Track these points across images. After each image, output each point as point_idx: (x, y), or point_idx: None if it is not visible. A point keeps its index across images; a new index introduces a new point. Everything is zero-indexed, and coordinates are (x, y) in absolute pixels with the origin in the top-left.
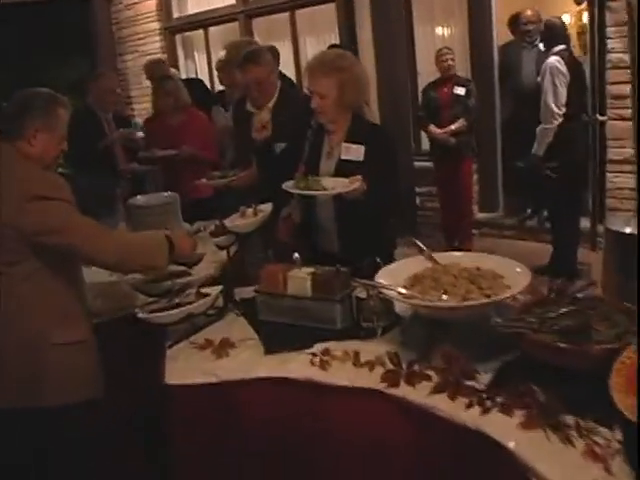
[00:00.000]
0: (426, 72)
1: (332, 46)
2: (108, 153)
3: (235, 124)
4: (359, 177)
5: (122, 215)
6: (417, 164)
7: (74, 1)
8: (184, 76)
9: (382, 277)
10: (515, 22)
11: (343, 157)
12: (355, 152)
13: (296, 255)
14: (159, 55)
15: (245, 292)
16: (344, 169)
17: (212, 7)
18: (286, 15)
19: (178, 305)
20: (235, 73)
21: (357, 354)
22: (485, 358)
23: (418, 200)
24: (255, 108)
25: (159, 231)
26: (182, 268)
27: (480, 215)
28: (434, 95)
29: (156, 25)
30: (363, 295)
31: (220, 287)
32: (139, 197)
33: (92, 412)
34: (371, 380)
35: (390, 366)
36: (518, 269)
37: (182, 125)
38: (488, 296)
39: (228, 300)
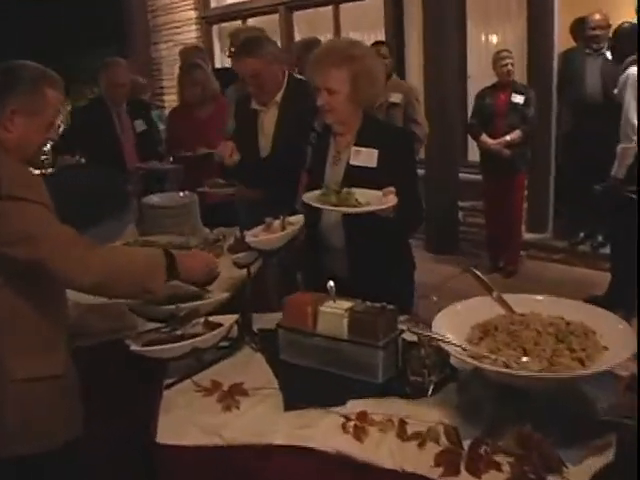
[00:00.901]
0: (477, 75)
1: (377, 43)
2: (117, 148)
3: (237, 124)
4: (392, 189)
5: (134, 215)
6: (462, 176)
7: None
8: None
9: (440, 323)
10: (579, 27)
11: (352, 163)
12: (366, 157)
13: (331, 284)
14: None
15: (266, 320)
16: (353, 177)
17: None
18: (329, 9)
19: (181, 337)
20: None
21: (403, 423)
22: (573, 444)
23: (460, 215)
24: (260, 105)
25: (157, 249)
26: (191, 288)
27: (527, 235)
28: (489, 102)
29: (193, 14)
30: (408, 334)
31: (235, 316)
32: (154, 196)
33: (67, 460)
34: (421, 462)
35: (446, 443)
36: (620, 325)
37: (210, 117)
38: (581, 361)
39: (244, 331)
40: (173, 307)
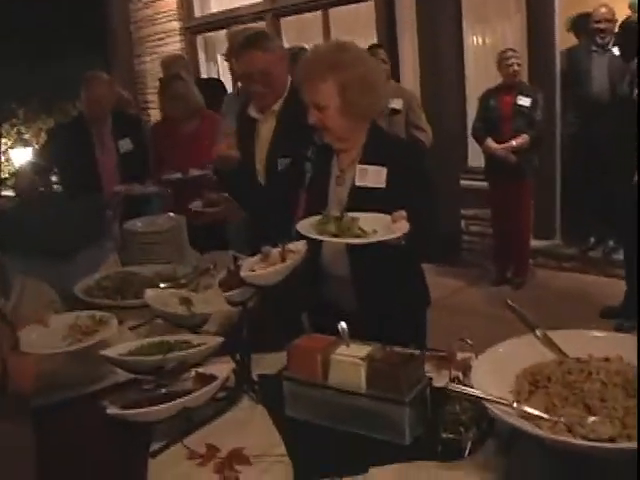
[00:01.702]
0: (474, 77)
1: (373, 46)
2: (93, 170)
3: (238, 136)
4: (403, 214)
5: (115, 243)
6: (463, 182)
7: None
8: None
9: (481, 372)
10: (582, 23)
11: (358, 183)
12: (374, 176)
13: (343, 326)
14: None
15: (266, 363)
16: (360, 199)
17: (236, 5)
18: (318, 14)
19: (168, 395)
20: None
21: None
22: None
23: (463, 223)
24: (259, 112)
25: None
26: (184, 337)
27: (535, 242)
28: (494, 104)
29: (176, 25)
30: (435, 379)
31: (230, 364)
32: (136, 220)
33: None
34: None
35: None
36: None
37: (196, 133)
38: None
39: (242, 380)
40: (159, 358)
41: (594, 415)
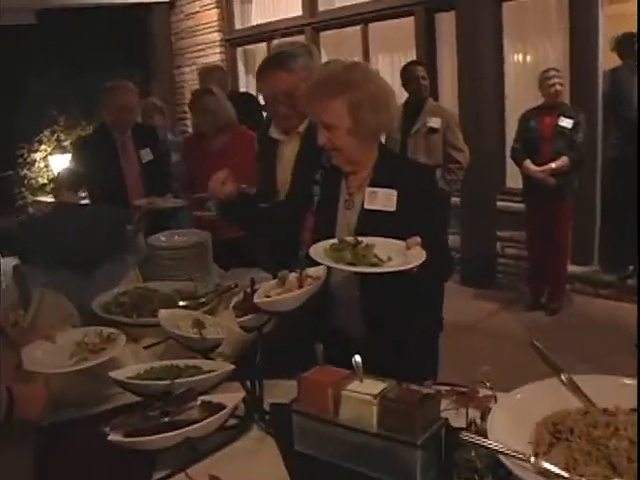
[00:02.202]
0: (514, 96)
1: (412, 63)
2: (119, 181)
3: (258, 157)
4: (418, 240)
5: (137, 257)
6: (500, 204)
7: (134, 9)
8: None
9: (498, 420)
10: (627, 43)
11: (367, 207)
12: (384, 199)
13: (357, 359)
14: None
15: (279, 391)
16: (369, 224)
17: (277, 18)
18: (357, 29)
19: (172, 424)
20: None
21: None
22: None
23: (499, 246)
24: (282, 134)
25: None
26: (194, 362)
27: (572, 267)
28: (534, 125)
29: (217, 36)
30: (452, 417)
31: (239, 394)
32: (160, 235)
33: None
34: None
35: None
36: None
37: (225, 148)
38: None
39: (253, 408)
40: (167, 383)
41: (620, 476)
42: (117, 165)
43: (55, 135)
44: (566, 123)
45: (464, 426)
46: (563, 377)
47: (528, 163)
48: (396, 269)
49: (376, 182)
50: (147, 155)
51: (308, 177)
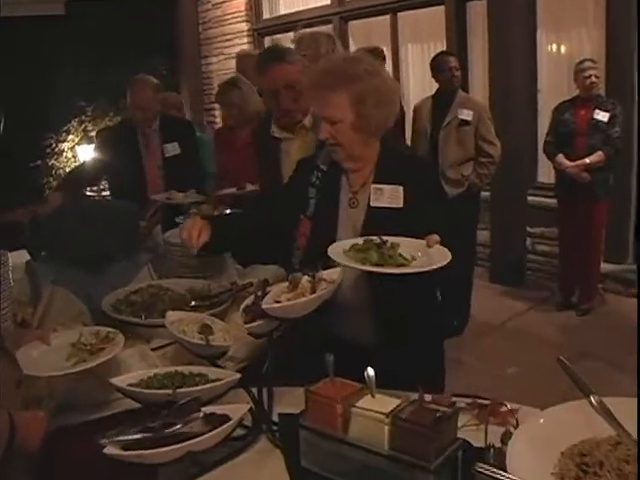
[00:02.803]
0: (548, 89)
1: (443, 53)
2: (138, 176)
3: (257, 156)
4: (437, 237)
5: (150, 254)
6: (531, 199)
7: None
8: None
9: (518, 444)
10: None
11: (374, 204)
12: (390, 196)
13: (370, 372)
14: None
15: (289, 399)
16: (377, 222)
17: (305, 7)
18: (386, 18)
19: (173, 436)
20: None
21: None
22: None
23: (529, 242)
24: (284, 131)
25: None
26: (200, 369)
27: (605, 266)
28: (568, 118)
29: (244, 26)
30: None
31: (245, 406)
32: (176, 231)
33: None
34: None
35: None
36: None
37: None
38: None
39: (261, 419)
40: (168, 392)
41: None
42: (138, 159)
43: (83, 125)
44: (602, 116)
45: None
46: (593, 400)
47: (561, 158)
48: (426, 269)
49: (381, 179)
50: (173, 149)
51: (303, 179)
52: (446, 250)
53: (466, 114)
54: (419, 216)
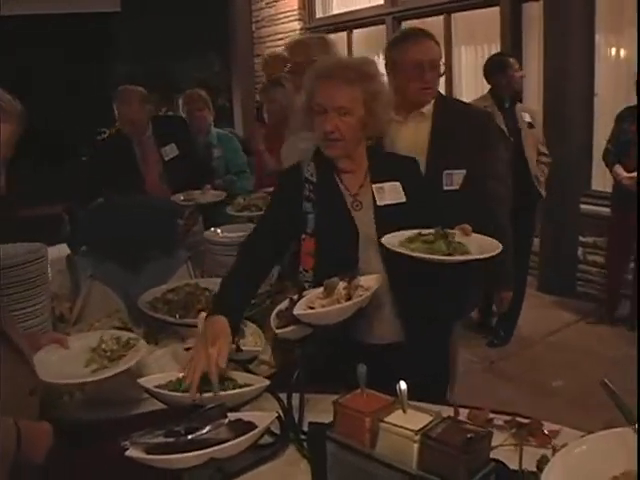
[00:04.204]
0: (605, 94)
1: (500, 54)
2: (137, 181)
3: None
4: (467, 226)
5: (187, 253)
6: (584, 207)
7: None
8: None
9: (554, 474)
10: None
11: (381, 203)
12: (392, 193)
13: (402, 386)
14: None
15: (321, 406)
16: (388, 218)
17: (358, 7)
18: (440, 19)
19: (195, 442)
20: None
21: None
22: None
23: (580, 251)
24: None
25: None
26: (229, 374)
27: None
28: (626, 127)
29: (297, 25)
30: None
31: (272, 414)
32: (218, 229)
33: None
34: None
35: None
36: None
37: None
38: None
39: (289, 427)
40: (198, 395)
41: None
42: (134, 167)
43: None
44: None
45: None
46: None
47: (618, 167)
48: (488, 255)
49: (377, 178)
50: (172, 151)
51: (292, 196)
52: (493, 240)
53: (529, 117)
54: (421, 208)
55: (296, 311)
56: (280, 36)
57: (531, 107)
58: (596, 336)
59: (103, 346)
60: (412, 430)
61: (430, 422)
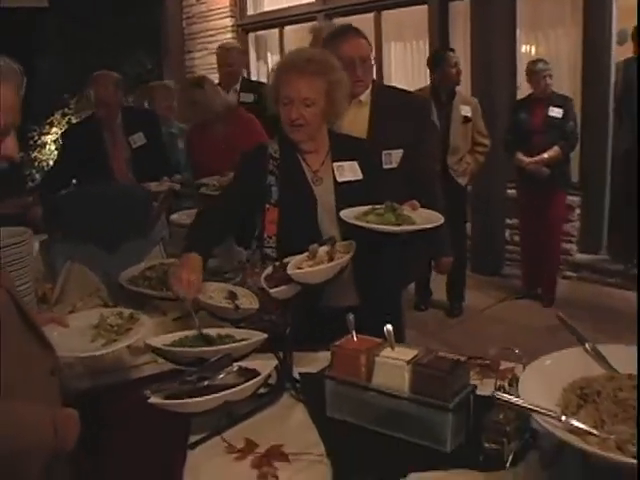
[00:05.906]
0: (527, 86)
1: (442, 49)
2: (106, 167)
3: None
4: (415, 202)
5: (161, 234)
6: (510, 192)
7: None
8: (255, 78)
9: (527, 382)
10: None
11: (341, 179)
12: (351, 171)
13: (388, 328)
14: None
15: (307, 361)
16: (347, 193)
17: (289, 4)
18: (370, 16)
19: (209, 388)
20: None
21: None
22: None
23: (507, 233)
24: None
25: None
26: (227, 331)
27: (579, 256)
28: (524, 117)
29: (229, 22)
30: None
31: (273, 362)
32: (183, 213)
33: None
34: None
35: None
36: None
37: (231, 135)
38: None
39: (285, 376)
40: (203, 350)
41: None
42: (104, 152)
43: (66, 118)
44: (556, 113)
45: (488, 395)
46: (587, 346)
47: (519, 155)
48: (432, 225)
49: (337, 157)
50: (139, 140)
51: (256, 170)
52: (436, 213)
53: (466, 110)
54: (374, 186)
55: (289, 271)
56: (211, 33)
57: (472, 99)
58: (524, 310)
59: (108, 321)
60: (404, 360)
61: (417, 354)
